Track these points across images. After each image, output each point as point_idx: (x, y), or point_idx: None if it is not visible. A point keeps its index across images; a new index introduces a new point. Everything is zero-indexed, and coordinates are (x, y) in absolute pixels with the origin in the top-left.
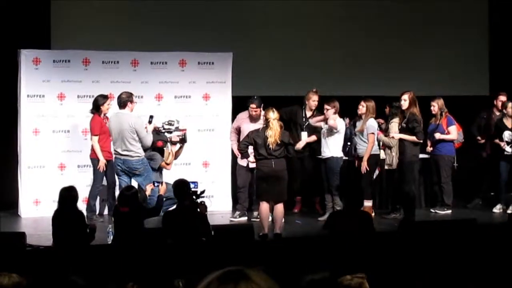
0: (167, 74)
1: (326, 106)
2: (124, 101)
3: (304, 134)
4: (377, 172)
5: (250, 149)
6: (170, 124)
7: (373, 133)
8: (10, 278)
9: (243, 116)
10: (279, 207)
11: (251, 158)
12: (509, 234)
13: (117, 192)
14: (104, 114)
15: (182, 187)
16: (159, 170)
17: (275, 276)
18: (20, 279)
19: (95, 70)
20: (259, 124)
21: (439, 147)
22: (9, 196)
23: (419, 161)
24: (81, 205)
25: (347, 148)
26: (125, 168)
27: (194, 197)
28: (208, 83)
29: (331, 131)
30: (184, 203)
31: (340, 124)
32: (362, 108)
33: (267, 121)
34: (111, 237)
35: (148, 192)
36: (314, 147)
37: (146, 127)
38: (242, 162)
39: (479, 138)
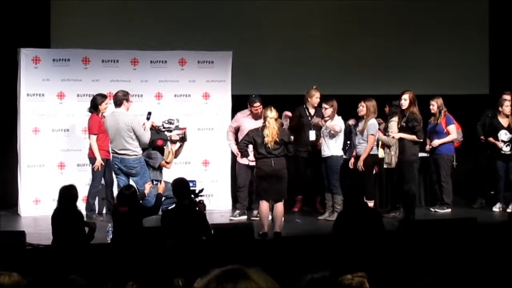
0: (167, 73)
1: (324, 106)
2: (120, 99)
3: (312, 133)
4: (374, 171)
5: (250, 148)
6: (170, 123)
7: (373, 135)
8: (10, 277)
9: (242, 115)
10: (279, 206)
11: (251, 157)
12: (509, 233)
13: (115, 191)
14: (102, 114)
15: (181, 186)
16: (159, 169)
17: (274, 275)
18: (20, 278)
19: (95, 69)
20: (261, 122)
21: (439, 146)
22: (9, 195)
23: (419, 160)
24: (81, 204)
25: (347, 147)
26: (122, 167)
27: (192, 196)
28: (208, 82)
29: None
30: (183, 202)
31: (340, 124)
32: (362, 108)
33: (265, 120)
34: (111, 236)
35: (147, 191)
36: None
37: (144, 124)
38: (243, 161)
39: (482, 138)
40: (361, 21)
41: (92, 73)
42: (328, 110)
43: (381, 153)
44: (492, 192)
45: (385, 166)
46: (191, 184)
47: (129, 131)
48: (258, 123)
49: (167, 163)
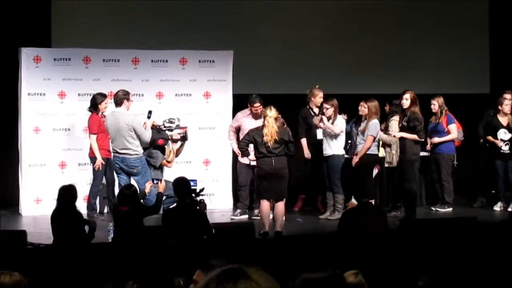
0: (167, 72)
1: (325, 105)
2: (121, 99)
3: (319, 132)
4: (376, 171)
5: (251, 147)
6: (171, 122)
7: (372, 136)
8: (11, 276)
9: (242, 115)
10: (280, 205)
11: (252, 156)
12: (510, 232)
13: (116, 190)
14: (102, 113)
15: (182, 185)
16: (160, 168)
17: (275, 275)
18: (21, 277)
19: (96, 68)
20: (261, 122)
21: (439, 145)
22: (10, 194)
23: (419, 159)
24: (82, 204)
25: (348, 146)
26: (124, 166)
27: (193, 195)
28: (209, 81)
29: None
30: (184, 201)
31: (340, 123)
32: (364, 109)
33: (264, 119)
34: (112, 235)
35: (147, 190)
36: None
37: (145, 123)
38: (243, 160)
39: (481, 140)
40: (362, 20)
41: (93, 73)
42: (329, 109)
43: (381, 152)
44: (493, 192)
45: (386, 165)
46: (192, 183)
47: (129, 130)
48: (259, 123)
49: (168, 162)
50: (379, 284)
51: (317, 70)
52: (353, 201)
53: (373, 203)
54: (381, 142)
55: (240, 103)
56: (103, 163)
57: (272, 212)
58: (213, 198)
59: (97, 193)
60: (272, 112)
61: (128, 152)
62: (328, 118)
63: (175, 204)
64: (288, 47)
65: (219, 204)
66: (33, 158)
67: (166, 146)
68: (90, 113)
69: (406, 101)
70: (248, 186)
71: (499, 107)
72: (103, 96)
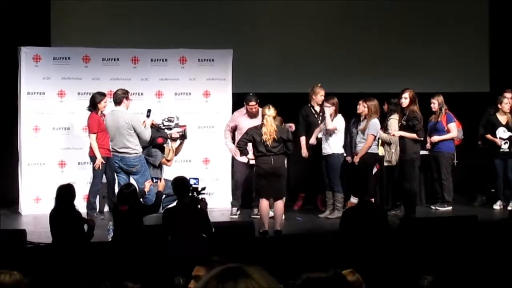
0: (167, 71)
1: (325, 104)
2: (120, 98)
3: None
4: (375, 169)
5: (249, 146)
6: (170, 121)
7: (373, 134)
8: (11, 275)
9: (239, 114)
10: (279, 204)
11: (250, 155)
12: (509, 230)
13: (116, 189)
14: (102, 112)
15: (181, 184)
16: (160, 167)
17: (275, 273)
18: (21, 276)
19: (95, 67)
20: (258, 120)
21: (439, 144)
22: (10, 193)
23: (419, 158)
24: (82, 203)
25: (347, 145)
26: (123, 165)
27: (195, 193)
28: (208, 80)
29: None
30: (184, 200)
31: (340, 122)
32: (364, 108)
33: (263, 118)
34: (111, 234)
35: (147, 189)
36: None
37: (144, 122)
38: (241, 159)
39: (480, 142)
40: (361, 19)
41: (93, 72)
42: (330, 108)
43: (381, 151)
44: (493, 190)
45: (385, 164)
46: (194, 181)
47: (129, 129)
48: (255, 122)
49: (168, 161)
50: (379, 282)
51: (316, 69)
52: (352, 200)
53: (373, 201)
54: (380, 141)
55: (239, 102)
56: (103, 162)
57: (271, 210)
58: (212, 197)
59: (96, 192)
60: (270, 111)
61: (127, 151)
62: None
63: (175, 203)
64: (288, 46)
65: (219, 203)
66: (32, 157)
67: (165, 145)
68: (89, 113)
69: (405, 100)
70: (244, 184)
71: (499, 106)
72: (102, 95)
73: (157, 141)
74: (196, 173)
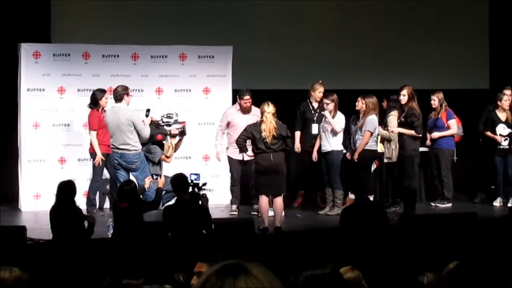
0: (167, 68)
1: (325, 101)
2: (120, 94)
3: (315, 127)
4: (374, 166)
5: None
6: (169, 117)
7: (369, 131)
8: (11, 272)
9: (232, 111)
10: (279, 201)
11: (250, 152)
12: (509, 227)
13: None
14: (103, 108)
15: (180, 182)
16: (159, 163)
17: (275, 270)
18: (20, 273)
19: (95, 63)
20: (252, 115)
21: (439, 141)
22: (10, 190)
23: (419, 155)
24: (82, 199)
25: (347, 142)
26: (122, 162)
27: (196, 189)
28: (208, 76)
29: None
30: (182, 197)
31: (341, 120)
32: (362, 105)
33: (262, 115)
34: (111, 231)
35: (147, 186)
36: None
37: (143, 121)
38: (236, 156)
39: (480, 140)
40: (361, 16)
41: (93, 68)
42: (329, 105)
43: (380, 148)
44: (493, 187)
45: (385, 160)
46: (195, 177)
47: (129, 125)
48: (249, 117)
49: (167, 157)
50: (378, 279)
51: (316, 65)
52: (351, 196)
53: (371, 198)
54: (379, 138)
55: None
56: (103, 159)
57: (271, 208)
58: (212, 193)
59: (97, 189)
60: (270, 108)
61: (127, 147)
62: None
63: (175, 200)
64: (288, 43)
65: (219, 199)
66: (32, 154)
67: (164, 142)
68: (90, 110)
69: (403, 97)
70: (241, 181)
71: (499, 103)
72: (103, 91)
73: (156, 138)
74: (196, 169)
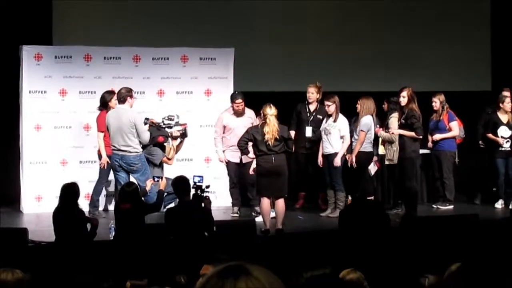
0: (168, 70)
1: (326, 103)
2: (124, 96)
3: (308, 129)
4: (376, 168)
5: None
6: (170, 119)
7: (363, 131)
8: (13, 274)
9: (226, 115)
10: (280, 203)
11: (251, 154)
12: (511, 229)
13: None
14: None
15: (181, 184)
16: (160, 165)
17: (276, 272)
18: (22, 275)
19: (97, 66)
20: (247, 117)
21: (440, 142)
22: (11, 192)
23: (420, 156)
24: (84, 201)
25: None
26: (123, 163)
27: (199, 191)
28: (210, 78)
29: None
30: (184, 199)
31: (342, 124)
32: (359, 107)
33: (264, 117)
34: (113, 233)
35: (148, 188)
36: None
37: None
38: (230, 158)
39: (481, 143)
40: (362, 17)
41: (94, 70)
42: (331, 107)
43: (382, 150)
44: (494, 189)
45: (386, 162)
46: (198, 179)
47: (132, 127)
48: (243, 120)
49: (169, 159)
50: (380, 281)
51: (317, 67)
52: (351, 198)
53: (372, 199)
54: (380, 140)
55: None
56: (108, 161)
57: (273, 209)
58: (214, 195)
59: (101, 191)
60: (272, 110)
61: (128, 149)
62: (329, 115)
63: (177, 201)
64: (289, 44)
65: (220, 201)
66: (34, 156)
67: (166, 144)
68: (94, 111)
69: (403, 98)
70: (239, 183)
71: (500, 105)
72: (111, 93)
73: (157, 140)
74: (198, 172)
